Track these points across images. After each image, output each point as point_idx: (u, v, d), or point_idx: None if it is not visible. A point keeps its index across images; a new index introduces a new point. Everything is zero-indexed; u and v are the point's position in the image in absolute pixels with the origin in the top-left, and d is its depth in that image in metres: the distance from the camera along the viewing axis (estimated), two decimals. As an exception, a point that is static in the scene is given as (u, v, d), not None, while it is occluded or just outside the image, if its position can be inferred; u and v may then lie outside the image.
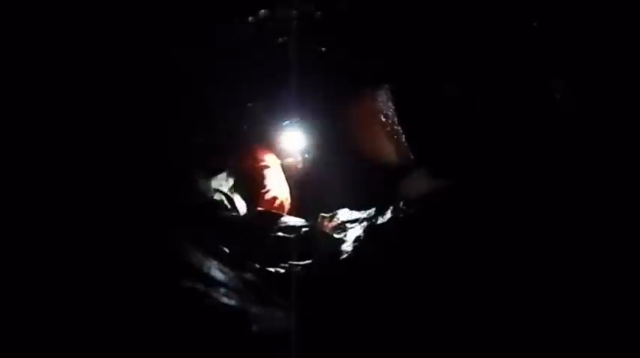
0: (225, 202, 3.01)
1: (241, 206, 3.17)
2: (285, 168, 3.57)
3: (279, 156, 3.57)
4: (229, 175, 3.26)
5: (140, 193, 2.52)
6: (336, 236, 3.00)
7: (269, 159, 3.39)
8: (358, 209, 3.22)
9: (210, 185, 3.03)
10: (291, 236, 2.79)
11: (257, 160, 3.33)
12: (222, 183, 3.23)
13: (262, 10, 1.71)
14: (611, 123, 2.31)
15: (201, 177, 3.05)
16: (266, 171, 3.32)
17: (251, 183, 3.21)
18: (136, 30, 1.80)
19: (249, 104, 2.57)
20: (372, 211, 3.12)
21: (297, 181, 3.60)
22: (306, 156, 3.64)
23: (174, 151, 3.01)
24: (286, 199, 3.35)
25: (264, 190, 3.24)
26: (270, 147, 3.47)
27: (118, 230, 1.98)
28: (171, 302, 1.69)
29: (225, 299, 1.86)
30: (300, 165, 3.64)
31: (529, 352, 1.96)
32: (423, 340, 2.10)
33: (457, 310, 2.20)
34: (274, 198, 3.25)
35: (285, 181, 3.45)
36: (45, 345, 1.35)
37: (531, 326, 2.04)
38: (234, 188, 3.22)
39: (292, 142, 3.61)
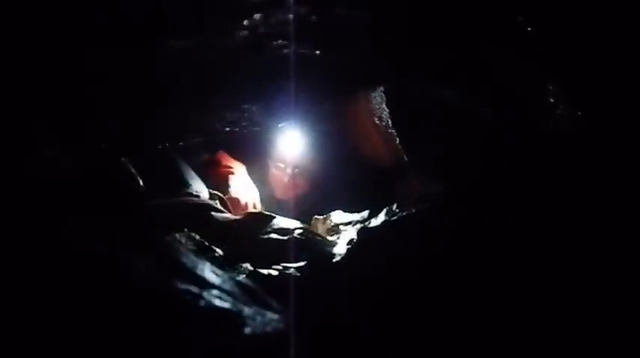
0: (218, 203, 3.00)
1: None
2: (273, 176, 3.59)
3: (267, 163, 3.59)
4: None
5: (129, 192, 2.53)
6: (329, 238, 3.00)
7: (233, 165, 3.42)
8: (352, 211, 3.23)
9: (203, 185, 3.03)
10: (285, 238, 2.78)
11: (222, 166, 3.35)
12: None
13: (257, 14, 1.71)
14: (605, 126, 2.33)
15: (195, 177, 3.05)
16: (230, 176, 3.35)
17: (216, 188, 3.22)
18: (131, 29, 1.80)
19: (246, 106, 2.58)
20: (365, 214, 3.13)
21: (288, 188, 3.61)
22: (296, 169, 3.63)
23: (168, 151, 3.02)
24: (253, 202, 3.37)
25: (228, 195, 3.24)
26: (237, 153, 3.49)
27: (108, 229, 1.96)
28: (164, 304, 1.68)
29: (218, 301, 1.86)
30: (289, 174, 3.64)
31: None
32: (419, 344, 2.11)
33: (451, 314, 2.20)
34: (237, 199, 3.25)
35: (253, 186, 3.47)
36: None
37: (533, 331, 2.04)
38: None
39: (285, 150, 3.62)
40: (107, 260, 1.73)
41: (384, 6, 1.80)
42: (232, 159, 3.44)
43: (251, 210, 3.31)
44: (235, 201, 3.22)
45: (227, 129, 2.80)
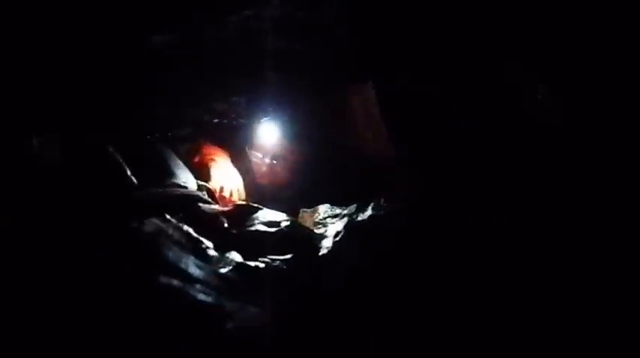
0: (205, 194, 3.00)
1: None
2: (252, 165, 3.56)
3: (246, 152, 3.54)
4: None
5: (116, 182, 2.52)
6: (316, 231, 3.01)
7: (216, 153, 3.35)
8: (339, 205, 3.23)
9: (190, 176, 3.02)
10: (272, 230, 2.79)
11: (204, 154, 3.29)
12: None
13: (246, 10, 1.71)
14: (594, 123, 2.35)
15: (183, 168, 3.03)
16: (211, 164, 3.29)
17: (198, 176, 3.18)
18: (125, 26, 1.80)
19: (235, 98, 2.58)
20: (353, 207, 3.12)
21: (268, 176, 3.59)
22: (274, 161, 3.59)
23: (156, 141, 3.01)
24: (237, 190, 3.33)
25: (210, 181, 3.21)
26: (221, 142, 3.42)
27: (87, 224, 1.96)
28: (147, 300, 1.69)
29: (201, 296, 1.87)
30: (267, 163, 3.60)
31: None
32: (400, 337, 2.13)
33: (433, 308, 2.23)
34: (221, 188, 3.23)
35: (237, 174, 3.41)
36: (18, 346, 1.35)
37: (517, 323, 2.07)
38: None
39: (264, 139, 3.56)
40: (94, 257, 1.73)
41: (371, 6, 1.80)
42: (215, 148, 3.38)
43: (235, 199, 3.28)
44: (220, 191, 3.20)
45: (216, 120, 2.79)
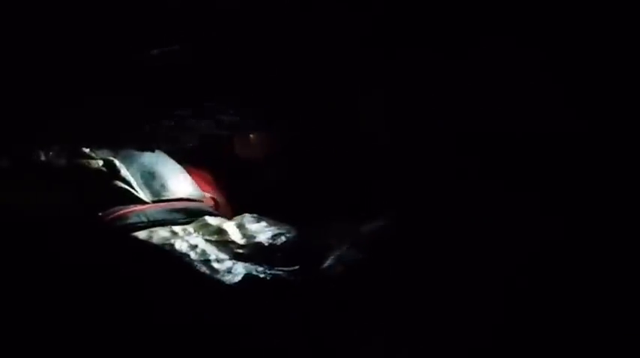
0: (212, 206, 3.00)
1: None
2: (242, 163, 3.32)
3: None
4: None
5: (122, 197, 2.54)
6: (321, 242, 2.99)
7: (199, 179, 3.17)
8: (345, 214, 3.20)
9: (197, 188, 3.02)
10: (277, 241, 2.78)
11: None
12: None
13: (251, 13, 1.72)
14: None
15: (190, 180, 3.03)
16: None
17: None
18: (124, 38, 1.82)
19: (244, 108, 2.59)
20: (359, 217, 3.10)
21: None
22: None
23: (163, 154, 3.01)
24: (215, 200, 3.13)
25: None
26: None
27: (92, 235, 1.98)
28: (153, 310, 1.69)
29: (208, 308, 1.87)
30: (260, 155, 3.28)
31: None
32: (405, 348, 2.13)
33: (441, 321, 2.22)
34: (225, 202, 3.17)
35: (212, 184, 3.22)
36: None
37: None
38: None
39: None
40: (99, 270, 1.74)
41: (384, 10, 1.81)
42: (196, 173, 3.15)
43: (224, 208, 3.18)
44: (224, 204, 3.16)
45: (224, 132, 2.80)
